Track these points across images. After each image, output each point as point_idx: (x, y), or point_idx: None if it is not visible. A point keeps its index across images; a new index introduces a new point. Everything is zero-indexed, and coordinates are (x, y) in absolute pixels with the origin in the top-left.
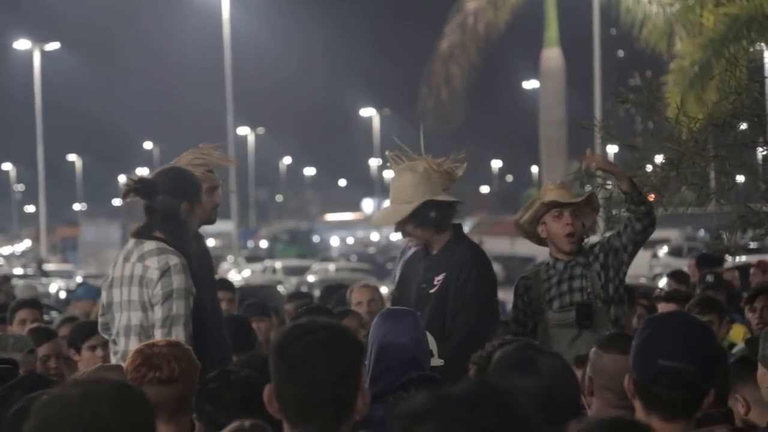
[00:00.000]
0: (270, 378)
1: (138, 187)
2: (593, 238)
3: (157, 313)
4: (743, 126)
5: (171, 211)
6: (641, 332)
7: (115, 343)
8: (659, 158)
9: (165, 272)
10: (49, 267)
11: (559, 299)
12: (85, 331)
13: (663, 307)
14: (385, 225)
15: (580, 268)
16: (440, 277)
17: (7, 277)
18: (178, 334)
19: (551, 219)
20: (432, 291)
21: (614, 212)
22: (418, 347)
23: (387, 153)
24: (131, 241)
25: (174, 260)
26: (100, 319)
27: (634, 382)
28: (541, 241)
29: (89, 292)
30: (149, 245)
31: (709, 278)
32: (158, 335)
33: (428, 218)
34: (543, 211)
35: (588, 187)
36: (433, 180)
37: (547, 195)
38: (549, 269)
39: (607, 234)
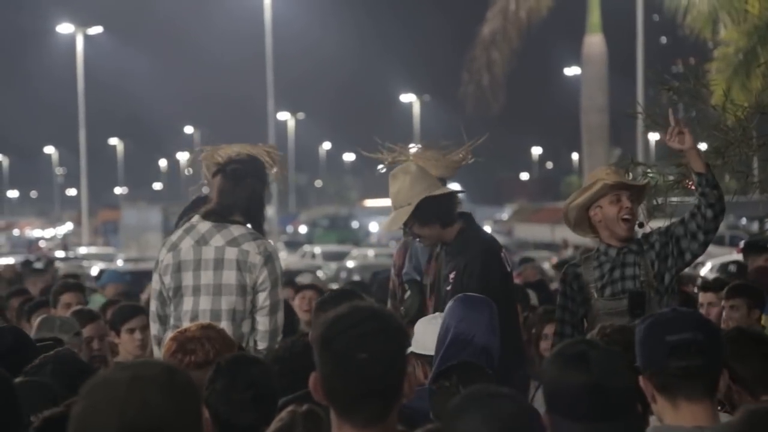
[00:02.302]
0: (299, 362)
1: (235, 168)
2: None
3: (265, 300)
4: None
5: (259, 195)
6: (640, 327)
7: (177, 328)
8: (703, 146)
9: (268, 258)
10: (91, 251)
11: (611, 286)
12: (125, 314)
13: (702, 297)
14: (390, 230)
15: (633, 256)
16: (452, 274)
17: (52, 261)
18: (280, 318)
19: (608, 203)
20: (448, 288)
21: (659, 201)
22: (492, 336)
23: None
24: (204, 224)
25: (271, 246)
26: (153, 308)
27: (648, 378)
28: (585, 229)
29: (112, 276)
30: (238, 229)
31: (732, 268)
32: (263, 322)
33: (430, 215)
34: (602, 193)
35: (630, 176)
36: (429, 176)
37: (609, 177)
38: (600, 255)
39: (650, 223)
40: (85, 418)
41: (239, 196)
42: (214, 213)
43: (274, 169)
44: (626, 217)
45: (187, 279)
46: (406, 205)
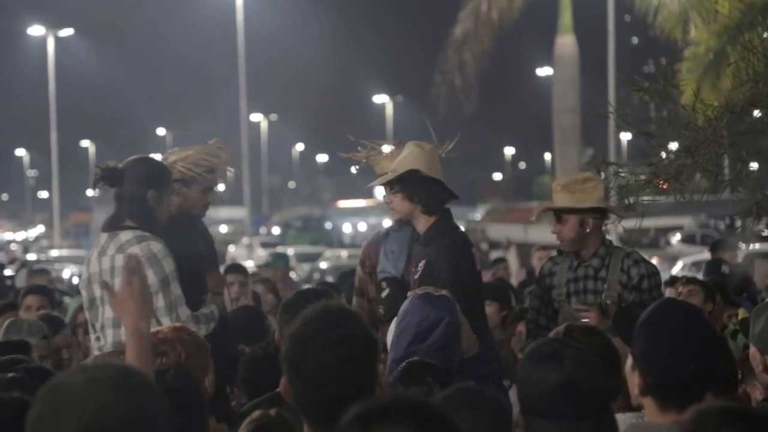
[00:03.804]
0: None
1: (105, 175)
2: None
3: (159, 302)
4: (757, 113)
5: (138, 198)
6: (643, 327)
7: (99, 339)
8: (673, 146)
9: (151, 259)
10: (63, 253)
11: (575, 296)
12: None
13: (669, 293)
14: (377, 185)
15: (593, 270)
16: (422, 263)
17: (24, 264)
18: (182, 313)
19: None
20: (416, 277)
21: (631, 200)
22: (454, 332)
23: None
24: (103, 236)
25: (157, 246)
26: (88, 318)
27: (645, 381)
28: None
29: None
30: (125, 235)
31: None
32: (165, 322)
33: (417, 193)
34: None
35: (602, 175)
36: (436, 162)
37: (553, 197)
38: (573, 260)
39: (622, 222)
40: (42, 420)
41: (120, 201)
42: (107, 224)
43: (229, 167)
44: (556, 234)
45: (97, 290)
46: (401, 171)
